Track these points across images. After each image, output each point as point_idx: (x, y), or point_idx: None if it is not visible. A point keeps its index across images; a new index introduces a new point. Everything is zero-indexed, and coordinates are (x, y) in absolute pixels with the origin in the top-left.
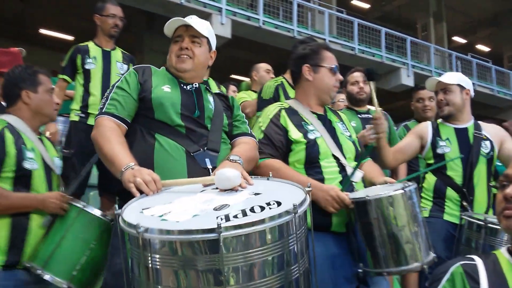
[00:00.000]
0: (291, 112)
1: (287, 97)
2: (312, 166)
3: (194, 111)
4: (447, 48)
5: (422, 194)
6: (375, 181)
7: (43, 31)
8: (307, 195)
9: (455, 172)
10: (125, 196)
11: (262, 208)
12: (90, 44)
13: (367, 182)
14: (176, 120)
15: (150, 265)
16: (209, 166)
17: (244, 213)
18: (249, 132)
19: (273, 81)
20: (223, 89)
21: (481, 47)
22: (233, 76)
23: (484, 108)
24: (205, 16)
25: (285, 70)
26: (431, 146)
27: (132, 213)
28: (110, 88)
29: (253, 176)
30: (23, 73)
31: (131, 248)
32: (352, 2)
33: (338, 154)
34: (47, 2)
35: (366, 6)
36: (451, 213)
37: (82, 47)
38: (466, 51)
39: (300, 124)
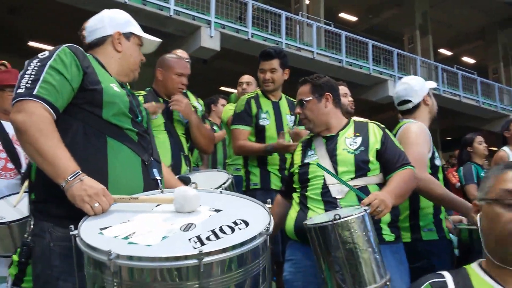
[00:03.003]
0: (305, 142)
1: (258, 109)
2: (303, 186)
3: (137, 115)
4: (433, 60)
5: (421, 212)
6: None
7: (32, 43)
8: (269, 211)
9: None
10: (42, 191)
11: (232, 229)
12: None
13: None
14: (128, 124)
15: None
16: (158, 177)
17: (216, 235)
18: None
19: (248, 94)
20: (201, 101)
21: (466, 59)
22: (223, 88)
23: (470, 119)
24: (194, 29)
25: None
26: (430, 156)
27: (91, 234)
28: (38, 63)
29: (205, 189)
30: None
31: (95, 273)
32: (340, 15)
33: (327, 172)
34: (36, 13)
35: (354, 19)
36: (445, 228)
37: None
38: (452, 63)
39: (305, 151)
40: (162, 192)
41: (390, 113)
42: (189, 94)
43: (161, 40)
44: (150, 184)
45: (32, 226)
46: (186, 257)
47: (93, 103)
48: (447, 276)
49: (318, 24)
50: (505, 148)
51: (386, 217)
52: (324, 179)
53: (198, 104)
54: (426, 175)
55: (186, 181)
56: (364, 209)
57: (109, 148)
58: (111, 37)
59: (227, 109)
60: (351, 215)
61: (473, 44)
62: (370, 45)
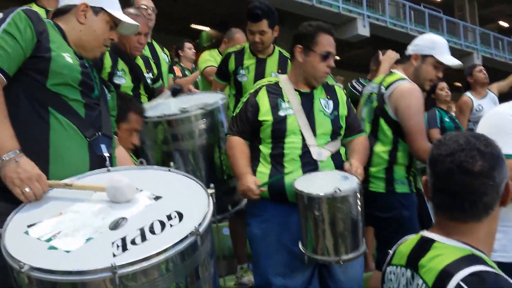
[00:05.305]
0: (273, 89)
1: (238, 66)
2: (277, 141)
3: (93, 90)
4: None
5: (396, 167)
6: (349, 159)
7: None
8: (210, 198)
9: None
10: None
11: (163, 225)
12: None
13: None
14: (75, 95)
15: None
16: (106, 153)
17: (143, 235)
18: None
19: (232, 48)
20: (166, 52)
21: None
22: (194, 25)
23: None
24: None
25: (241, 20)
26: None
27: (16, 234)
28: None
29: (153, 167)
30: (117, 104)
31: (12, 276)
32: None
33: (306, 131)
34: None
35: None
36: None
37: None
38: (419, 0)
39: (275, 102)
40: (108, 170)
41: (359, 51)
42: (155, 44)
43: (138, 24)
44: (96, 161)
45: None
46: (100, 271)
47: (39, 71)
48: None
49: None
50: (468, 93)
51: None
52: (303, 137)
53: (164, 55)
54: (428, 146)
55: (174, 91)
56: (357, 183)
57: (51, 120)
58: (76, 7)
59: (203, 59)
60: (352, 188)
61: None
62: None
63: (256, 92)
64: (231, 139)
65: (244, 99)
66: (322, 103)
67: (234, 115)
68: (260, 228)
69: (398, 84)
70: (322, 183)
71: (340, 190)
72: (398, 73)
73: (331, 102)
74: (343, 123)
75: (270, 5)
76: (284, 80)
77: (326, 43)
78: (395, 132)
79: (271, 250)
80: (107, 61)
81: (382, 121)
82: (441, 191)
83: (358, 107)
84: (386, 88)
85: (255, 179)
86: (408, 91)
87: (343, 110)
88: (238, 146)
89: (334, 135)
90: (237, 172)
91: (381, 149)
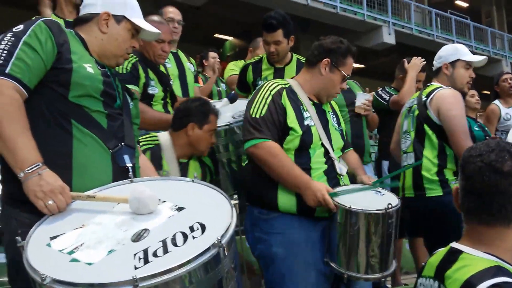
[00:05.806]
0: (291, 94)
1: (256, 77)
2: (302, 153)
3: (115, 100)
4: (427, 5)
5: (446, 170)
6: (357, 173)
7: None
8: (234, 209)
9: None
10: (5, 171)
11: (185, 237)
12: None
13: (349, 173)
14: (97, 106)
15: None
16: (129, 164)
17: (165, 247)
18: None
19: (250, 60)
20: (193, 61)
21: (460, 2)
22: (218, 35)
23: None
24: None
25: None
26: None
27: (38, 247)
28: (11, 38)
29: (177, 178)
30: (198, 108)
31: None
32: None
33: (327, 144)
34: None
35: None
36: None
37: None
38: (445, 7)
39: (298, 108)
40: (132, 181)
41: (384, 59)
42: (180, 54)
43: (160, 32)
44: (119, 172)
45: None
46: (121, 283)
47: (60, 83)
48: None
49: None
50: (497, 101)
51: None
52: (326, 151)
53: (190, 64)
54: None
55: (232, 98)
56: (398, 198)
57: (74, 132)
58: (98, 16)
59: (228, 69)
60: (399, 204)
61: None
62: None
63: (280, 93)
64: (269, 145)
65: (267, 100)
66: (331, 117)
67: (258, 116)
68: (283, 247)
69: (438, 90)
70: (361, 198)
71: (391, 206)
72: (435, 84)
73: (335, 117)
74: (344, 138)
75: (285, 15)
76: (296, 86)
77: (351, 66)
78: (440, 137)
79: (299, 270)
80: (141, 72)
81: (426, 127)
82: (471, 193)
83: (398, 121)
84: (426, 96)
85: (326, 186)
86: (449, 95)
87: (342, 125)
88: (283, 152)
89: (343, 149)
90: (298, 181)
91: (430, 154)
